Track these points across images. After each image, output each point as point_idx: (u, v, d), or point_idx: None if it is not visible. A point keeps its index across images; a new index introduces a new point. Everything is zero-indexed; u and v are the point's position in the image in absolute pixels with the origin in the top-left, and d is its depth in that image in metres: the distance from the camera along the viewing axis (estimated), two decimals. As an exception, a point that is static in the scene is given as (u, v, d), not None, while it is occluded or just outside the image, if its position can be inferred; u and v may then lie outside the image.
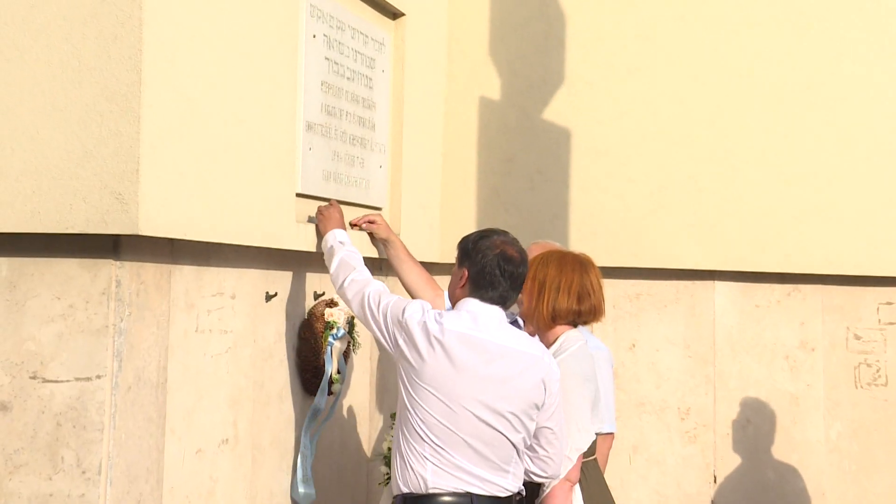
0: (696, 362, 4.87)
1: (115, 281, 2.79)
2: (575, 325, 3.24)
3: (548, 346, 3.17)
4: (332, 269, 3.32)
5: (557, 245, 3.68)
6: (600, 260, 4.96)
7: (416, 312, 2.97)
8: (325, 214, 3.54)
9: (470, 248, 3.03)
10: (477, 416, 2.89)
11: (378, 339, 3.10)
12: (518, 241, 3.09)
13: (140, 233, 2.73)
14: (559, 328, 3.20)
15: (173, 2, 2.87)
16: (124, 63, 2.74)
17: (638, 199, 4.83)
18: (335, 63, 3.87)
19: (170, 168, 2.86)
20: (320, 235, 3.52)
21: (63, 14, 2.78)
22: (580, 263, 3.26)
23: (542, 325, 3.19)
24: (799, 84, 4.77)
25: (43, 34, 2.79)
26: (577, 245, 4.86)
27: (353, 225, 3.80)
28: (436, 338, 2.90)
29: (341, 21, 3.92)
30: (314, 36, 3.70)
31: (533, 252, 3.40)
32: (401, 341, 2.97)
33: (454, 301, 3.09)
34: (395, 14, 4.45)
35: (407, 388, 2.95)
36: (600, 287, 3.26)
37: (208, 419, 3.19)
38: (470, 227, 4.41)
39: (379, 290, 3.13)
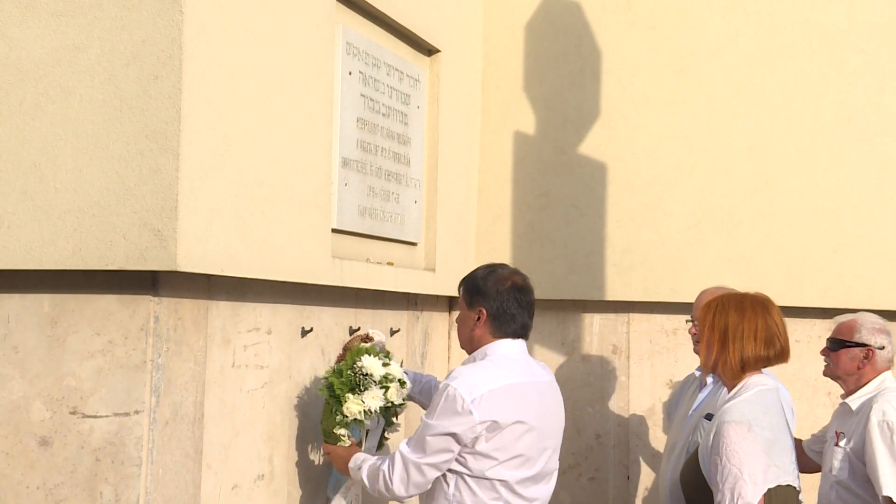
0: (735, 398, 4.79)
1: (154, 317, 2.82)
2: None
3: (730, 391, 3.00)
4: (367, 484, 3.10)
5: (727, 289, 3.42)
6: (636, 295, 4.89)
7: (457, 404, 2.85)
8: (332, 455, 3.28)
9: (480, 286, 3.03)
10: (548, 458, 2.99)
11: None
12: (520, 270, 3.14)
13: (178, 269, 2.76)
14: (747, 375, 2.99)
15: (212, 42, 2.92)
16: (164, 102, 2.79)
17: (674, 234, 4.79)
18: (370, 99, 3.91)
19: (207, 205, 2.89)
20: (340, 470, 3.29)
21: (106, 55, 2.84)
22: (761, 304, 3.02)
23: (731, 374, 2.98)
24: (837, 116, 4.73)
25: (87, 75, 2.85)
26: (612, 280, 4.83)
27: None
28: (483, 405, 2.85)
29: (377, 58, 3.96)
30: (350, 73, 3.74)
31: (705, 300, 3.26)
32: (472, 440, 2.87)
33: (472, 342, 3.05)
34: (430, 50, 4.49)
35: (472, 461, 2.89)
36: (784, 326, 3.01)
37: (244, 454, 3.20)
38: (505, 262, 4.40)
39: (407, 455, 2.96)
